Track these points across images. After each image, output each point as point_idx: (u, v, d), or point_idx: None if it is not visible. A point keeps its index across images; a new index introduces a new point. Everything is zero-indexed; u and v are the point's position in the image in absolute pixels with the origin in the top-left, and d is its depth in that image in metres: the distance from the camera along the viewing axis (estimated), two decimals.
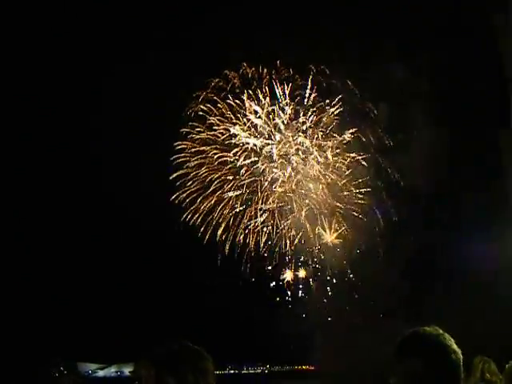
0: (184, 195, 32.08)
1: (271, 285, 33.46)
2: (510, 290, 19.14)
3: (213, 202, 31.97)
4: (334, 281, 32.88)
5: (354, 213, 31.42)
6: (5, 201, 33.14)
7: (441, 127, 27.03)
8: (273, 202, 31.74)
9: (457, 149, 27.63)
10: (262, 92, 31.07)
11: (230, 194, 31.79)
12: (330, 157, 31.04)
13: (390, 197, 30.65)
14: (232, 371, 56.67)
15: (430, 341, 1.37)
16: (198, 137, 31.51)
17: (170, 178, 31.79)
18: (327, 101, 30.91)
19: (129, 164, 32.97)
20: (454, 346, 1.34)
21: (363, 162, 30.72)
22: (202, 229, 32.49)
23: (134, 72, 32.15)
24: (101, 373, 46.99)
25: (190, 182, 31.93)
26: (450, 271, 28.89)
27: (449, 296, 26.87)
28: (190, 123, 31.69)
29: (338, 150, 31.12)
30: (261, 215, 31.94)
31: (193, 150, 31.78)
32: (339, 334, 31.09)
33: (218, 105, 31.45)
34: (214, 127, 31.47)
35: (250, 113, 31.26)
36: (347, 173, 31.17)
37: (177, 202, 32.23)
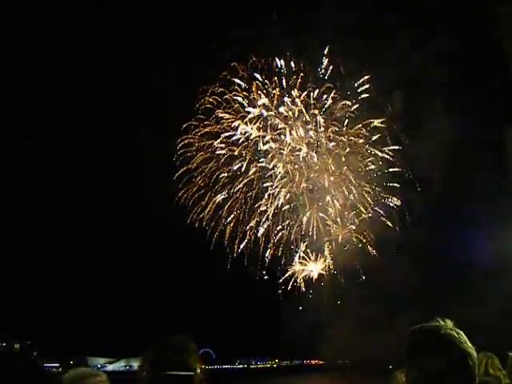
0: (191, 192, 31.68)
1: (281, 280, 33.23)
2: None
3: (221, 199, 31.64)
4: (343, 275, 32.63)
5: (366, 207, 31.06)
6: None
7: (445, 126, 27.07)
8: (283, 197, 31.43)
9: (463, 144, 27.63)
10: (271, 84, 30.43)
11: (238, 189, 31.50)
12: (341, 151, 30.58)
13: (401, 192, 30.26)
14: (241, 366, 57.00)
15: (445, 337, 1.32)
16: (205, 130, 30.96)
17: (176, 175, 31.28)
18: (339, 92, 30.32)
19: (135, 161, 33.14)
20: (469, 343, 1.32)
21: (377, 156, 30.16)
22: (212, 224, 32.20)
23: (137, 67, 32.28)
24: (110, 367, 47.32)
25: (198, 178, 31.51)
26: (454, 265, 29.01)
27: (456, 290, 26.94)
28: (197, 116, 31.02)
29: (349, 143, 30.56)
30: (272, 213, 31.62)
31: (200, 144, 31.26)
32: (348, 328, 31.13)
33: (226, 97, 30.80)
34: (222, 121, 30.87)
35: (259, 106, 30.71)
36: (362, 163, 30.62)
37: (183, 199, 31.79)
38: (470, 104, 26.86)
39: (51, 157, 34.91)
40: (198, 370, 1.50)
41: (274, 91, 30.21)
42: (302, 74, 29.82)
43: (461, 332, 1.37)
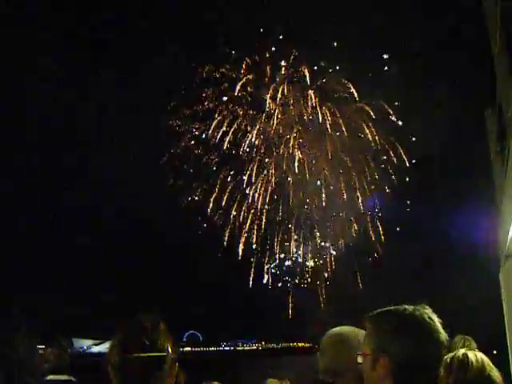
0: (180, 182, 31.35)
1: (270, 265, 33.15)
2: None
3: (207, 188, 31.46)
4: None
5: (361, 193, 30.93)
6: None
7: (432, 111, 27.26)
8: (272, 184, 31.23)
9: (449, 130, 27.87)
10: (262, 61, 29.77)
11: (224, 178, 31.29)
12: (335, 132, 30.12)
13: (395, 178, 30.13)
14: (227, 348, 57.26)
15: (405, 317, 1.32)
16: (189, 112, 30.32)
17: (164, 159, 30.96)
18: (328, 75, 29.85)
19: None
20: (438, 326, 1.31)
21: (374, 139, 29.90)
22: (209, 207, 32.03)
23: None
24: (95, 348, 47.47)
25: (185, 166, 31.13)
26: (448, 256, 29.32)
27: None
28: (184, 94, 30.47)
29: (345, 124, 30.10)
30: (260, 202, 31.48)
31: (187, 127, 30.77)
32: (335, 310, 31.31)
33: (215, 75, 30.13)
34: (207, 101, 30.23)
35: (247, 84, 30.06)
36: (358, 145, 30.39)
37: (173, 185, 31.49)
38: (458, 93, 27.08)
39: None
40: (170, 350, 1.40)
41: (266, 68, 29.61)
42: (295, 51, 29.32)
43: (432, 313, 1.35)
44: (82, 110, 33.71)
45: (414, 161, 29.20)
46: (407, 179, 29.45)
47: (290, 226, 31.91)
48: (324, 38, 29.04)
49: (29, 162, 35.07)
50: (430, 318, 1.32)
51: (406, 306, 1.34)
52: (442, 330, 1.32)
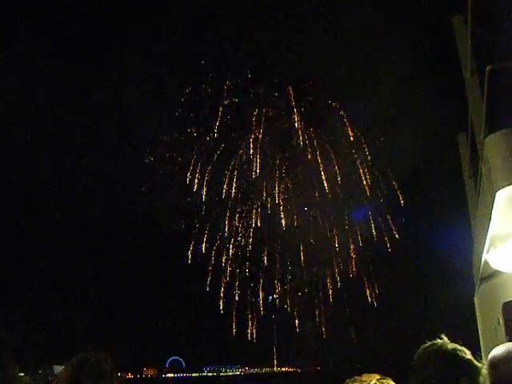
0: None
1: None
2: None
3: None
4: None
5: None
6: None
7: (405, 135, 27.68)
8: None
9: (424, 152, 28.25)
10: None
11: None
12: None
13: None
14: (210, 374, 56.69)
15: (445, 353, 1.45)
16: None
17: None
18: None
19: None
20: (469, 357, 1.43)
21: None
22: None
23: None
24: None
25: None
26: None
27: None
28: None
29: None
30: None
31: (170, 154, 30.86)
32: (319, 335, 31.27)
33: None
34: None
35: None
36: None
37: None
38: (432, 118, 27.51)
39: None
40: None
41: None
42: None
43: (463, 348, 1.48)
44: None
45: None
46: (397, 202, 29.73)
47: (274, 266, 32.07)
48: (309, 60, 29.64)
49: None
50: (451, 348, 1.44)
51: (438, 340, 1.46)
52: (463, 356, 1.42)
